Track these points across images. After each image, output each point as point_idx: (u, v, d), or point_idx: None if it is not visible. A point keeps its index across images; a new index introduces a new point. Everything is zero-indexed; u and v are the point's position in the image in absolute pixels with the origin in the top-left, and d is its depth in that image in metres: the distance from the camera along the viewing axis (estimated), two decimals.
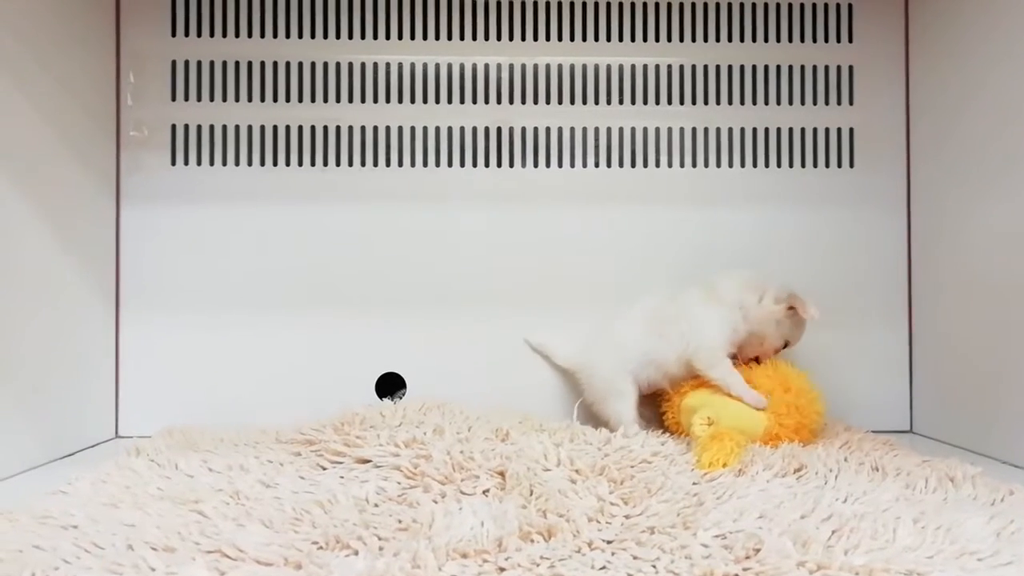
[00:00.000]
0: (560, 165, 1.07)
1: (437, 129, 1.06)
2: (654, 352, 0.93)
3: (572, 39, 1.07)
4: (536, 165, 1.07)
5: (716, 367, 0.90)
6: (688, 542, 0.55)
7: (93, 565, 0.51)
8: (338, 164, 1.06)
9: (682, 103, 1.07)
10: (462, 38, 1.07)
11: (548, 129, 1.07)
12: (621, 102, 1.07)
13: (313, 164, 1.06)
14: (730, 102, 1.07)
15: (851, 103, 1.07)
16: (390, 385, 1.06)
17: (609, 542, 0.57)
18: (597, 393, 0.96)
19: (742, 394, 0.88)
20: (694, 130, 1.07)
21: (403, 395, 1.04)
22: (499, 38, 1.07)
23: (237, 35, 1.05)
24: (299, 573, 0.51)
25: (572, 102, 1.07)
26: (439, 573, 0.50)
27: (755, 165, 1.07)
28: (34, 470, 0.83)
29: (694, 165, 1.07)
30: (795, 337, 0.96)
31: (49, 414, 0.87)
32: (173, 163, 1.04)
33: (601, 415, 0.96)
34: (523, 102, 1.07)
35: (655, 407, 0.97)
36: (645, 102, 1.07)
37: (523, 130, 1.07)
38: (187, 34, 1.05)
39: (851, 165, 1.08)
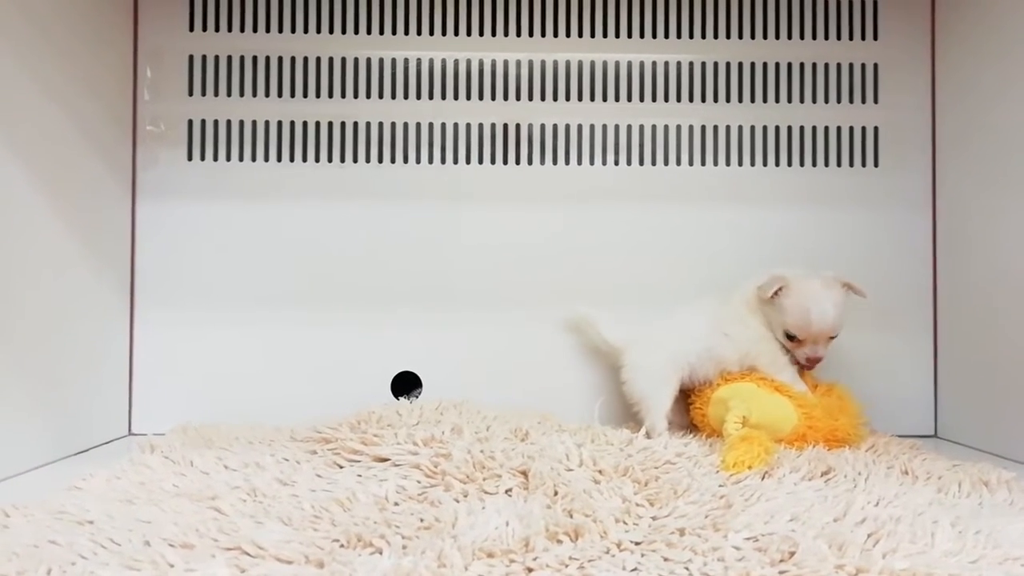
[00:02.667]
0: (580, 163, 1.06)
1: (455, 125, 1.05)
2: (718, 348, 0.92)
3: (593, 35, 1.06)
4: (555, 163, 1.06)
5: (783, 372, 0.91)
6: (719, 544, 0.54)
7: (110, 561, 0.50)
8: (355, 160, 1.05)
9: (704, 100, 1.06)
10: (481, 34, 1.05)
11: (568, 126, 1.06)
12: (642, 99, 1.06)
13: (330, 160, 1.05)
14: (753, 100, 1.06)
15: (876, 101, 1.06)
16: (406, 384, 1.04)
17: (638, 543, 0.55)
18: (639, 373, 0.94)
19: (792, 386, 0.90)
20: (716, 128, 1.06)
21: (419, 394, 1.03)
22: (519, 34, 1.06)
23: (255, 30, 1.04)
24: (322, 572, 0.49)
25: (592, 99, 1.06)
26: (466, 573, 0.49)
27: (778, 164, 1.06)
28: (47, 467, 0.82)
29: (715, 164, 1.06)
30: (787, 323, 0.90)
31: (62, 410, 0.86)
32: (189, 158, 1.04)
33: (633, 396, 0.94)
34: (542, 99, 1.06)
35: (682, 403, 0.96)
36: (666, 99, 1.06)
37: (542, 127, 1.06)
38: (204, 29, 1.04)
39: (876, 164, 1.06)
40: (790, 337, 0.91)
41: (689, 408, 0.96)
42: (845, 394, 0.92)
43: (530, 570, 0.50)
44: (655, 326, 0.96)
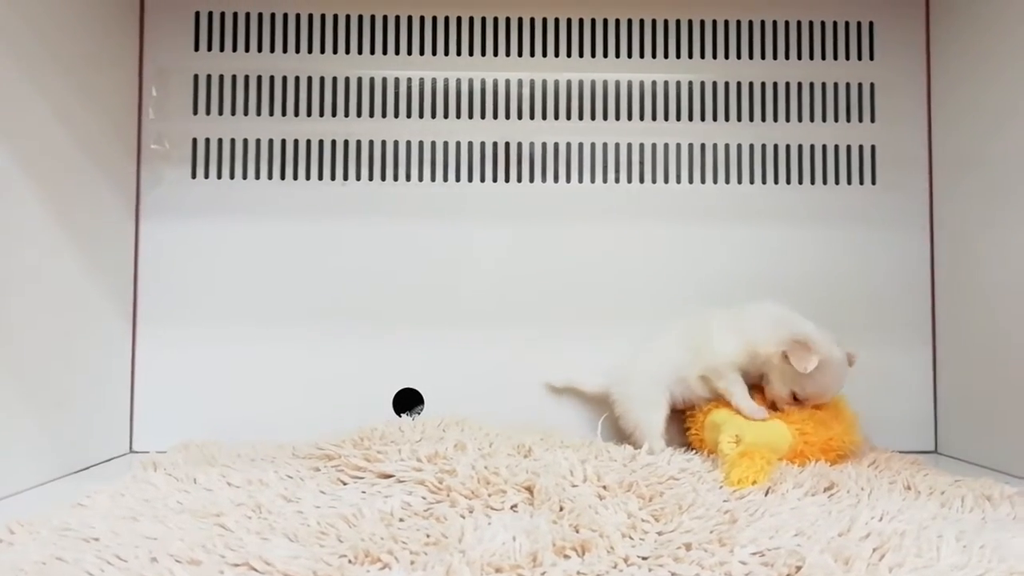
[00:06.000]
0: (580, 181, 1.07)
1: (458, 144, 1.06)
2: (684, 368, 0.93)
3: (594, 55, 1.07)
4: (556, 180, 1.07)
5: (724, 377, 0.90)
6: (726, 559, 0.54)
7: None
8: (358, 179, 1.06)
9: (703, 119, 1.07)
10: (483, 54, 1.07)
11: (568, 145, 1.07)
12: (641, 118, 1.07)
13: (333, 178, 1.05)
14: (751, 119, 1.07)
15: (873, 120, 1.07)
16: (407, 401, 1.04)
17: (645, 558, 0.55)
18: (629, 403, 0.95)
19: (740, 404, 0.87)
20: (714, 146, 1.07)
21: (421, 411, 1.03)
22: (519, 54, 1.07)
23: (259, 50, 1.05)
24: None
25: (592, 118, 1.07)
26: None
27: (776, 182, 1.07)
28: (48, 484, 0.82)
29: (714, 182, 1.07)
30: (806, 391, 0.87)
31: (64, 428, 0.86)
32: (193, 176, 1.04)
33: (628, 427, 0.95)
34: (543, 117, 1.07)
35: (680, 425, 0.96)
36: (665, 118, 1.07)
37: (542, 145, 1.07)
38: (209, 49, 1.05)
39: (873, 182, 1.07)
40: (795, 397, 0.88)
41: (686, 432, 0.95)
42: (840, 403, 0.91)
43: None
44: (634, 356, 0.97)
